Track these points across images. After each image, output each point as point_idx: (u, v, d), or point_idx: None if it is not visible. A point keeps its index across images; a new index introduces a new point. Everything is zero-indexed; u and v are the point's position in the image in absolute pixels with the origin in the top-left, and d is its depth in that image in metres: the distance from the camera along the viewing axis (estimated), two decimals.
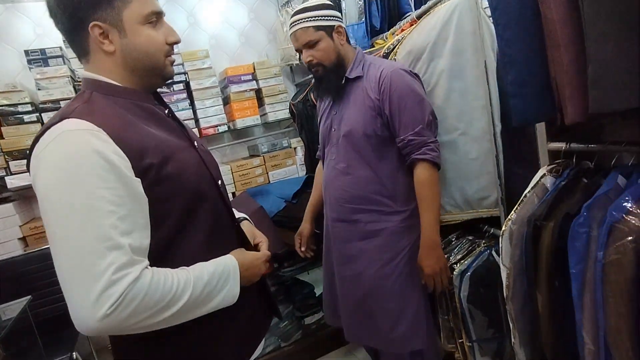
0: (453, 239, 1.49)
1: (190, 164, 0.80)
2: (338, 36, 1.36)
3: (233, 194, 2.33)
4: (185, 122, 0.95)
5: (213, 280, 0.76)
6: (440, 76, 1.35)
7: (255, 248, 0.97)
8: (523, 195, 0.94)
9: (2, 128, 1.94)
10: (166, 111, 0.86)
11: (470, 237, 1.46)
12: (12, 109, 1.93)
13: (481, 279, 1.30)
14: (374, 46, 1.85)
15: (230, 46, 2.60)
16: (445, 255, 1.39)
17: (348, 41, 1.42)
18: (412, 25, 1.53)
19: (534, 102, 0.84)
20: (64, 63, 2.00)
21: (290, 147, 2.51)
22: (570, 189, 0.87)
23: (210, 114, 2.35)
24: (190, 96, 2.32)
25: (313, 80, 1.55)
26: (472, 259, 1.33)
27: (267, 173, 2.43)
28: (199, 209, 0.80)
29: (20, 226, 1.97)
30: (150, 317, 0.67)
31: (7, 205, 1.94)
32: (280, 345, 2.10)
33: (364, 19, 1.91)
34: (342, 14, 1.94)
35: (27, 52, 1.96)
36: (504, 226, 0.92)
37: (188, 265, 0.75)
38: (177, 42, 0.82)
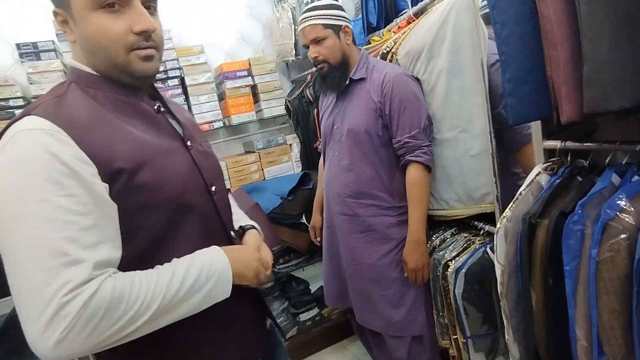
0: (448, 236, 1.51)
1: (173, 171, 0.70)
2: (345, 36, 1.44)
3: (228, 190, 2.32)
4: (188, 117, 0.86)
5: (194, 271, 0.66)
6: (439, 75, 1.37)
7: None
8: (518, 193, 0.94)
9: None
10: (155, 107, 0.76)
11: (465, 235, 1.47)
12: (3, 103, 1.89)
13: (476, 276, 1.31)
14: (370, 43, 1.85)
15: (226, 42, 2.58)
16: (440, 253, 1.42)
17: (354, 42, 1.49)
18: (409, 22, 1.53)
19: (530, 101, 0.84)
20: (57, 57, 1.96)
21: (286, 144, 2.51)
22: (565, 187, 0.88)
23: (205, 110, 2.33)
24: (185, 92, 2.30)
25: (312, 77, 1.58)
26: (467, 256, 1.34)
27: (263, 169, 2.43)
28: (182, 221, 0.71)
29: None
30: (122, 328, 0.58)
31: None
32: None
33: (360, 16, 1.91)
34: None
35: (18, 46, 1.92)
36: (498, 224, 0.92)
37: None
38: (146, 31, 0.66)
